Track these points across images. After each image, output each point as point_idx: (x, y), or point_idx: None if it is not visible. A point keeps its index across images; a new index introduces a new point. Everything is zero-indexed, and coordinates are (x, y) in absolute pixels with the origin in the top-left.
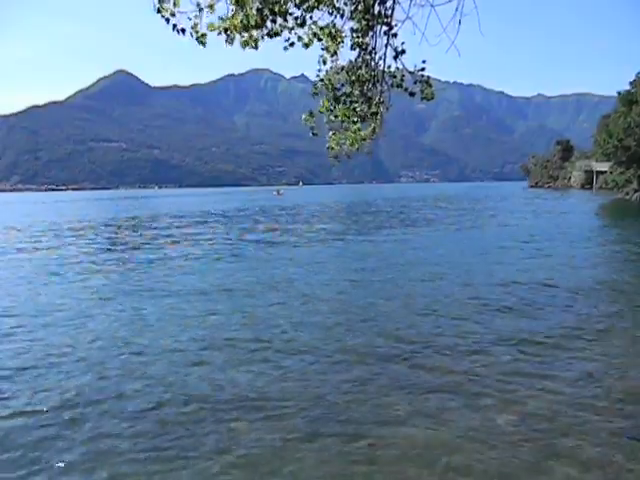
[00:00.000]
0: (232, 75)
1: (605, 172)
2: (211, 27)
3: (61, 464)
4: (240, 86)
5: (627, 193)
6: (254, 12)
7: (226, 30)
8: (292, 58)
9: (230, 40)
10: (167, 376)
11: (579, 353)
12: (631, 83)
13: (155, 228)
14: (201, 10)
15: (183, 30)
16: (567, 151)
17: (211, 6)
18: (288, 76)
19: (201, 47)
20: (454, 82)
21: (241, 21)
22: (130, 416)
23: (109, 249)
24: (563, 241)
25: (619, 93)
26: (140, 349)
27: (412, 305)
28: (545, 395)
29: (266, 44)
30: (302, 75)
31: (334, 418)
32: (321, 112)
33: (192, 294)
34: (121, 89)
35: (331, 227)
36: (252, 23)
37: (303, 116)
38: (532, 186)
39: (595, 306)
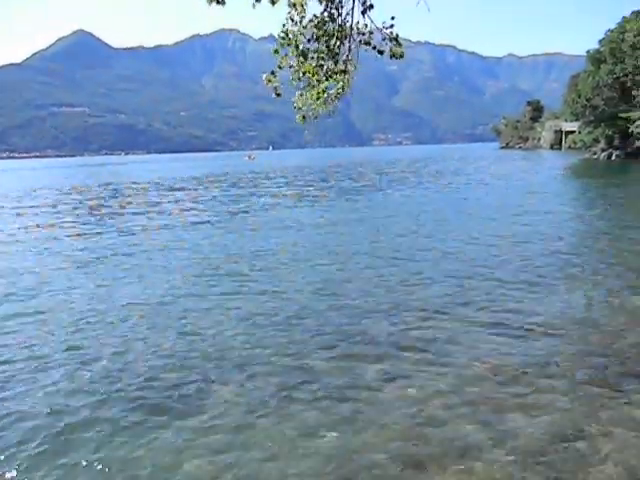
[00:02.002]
0: (198, 35)
1: (574, 132)
2: None
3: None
4: (207, 47)
5: (595, 152)
6: None
7: None
8: (260, 18)
9: None
10: (147, 335)
11: (536, 304)
12: (600, 42)
13: (124, 196)
14: None
15: None
16: (537, 111)
17: None
18: (257, 37)
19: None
20: (425, 42)
21: None
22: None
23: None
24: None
25: (588, 52)
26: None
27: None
28: (509, 349)
29: (234, 3)
30: (271, 36)
31: (310, 384)
32: (280, 68)
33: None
34: (82, 50)
35: (299, 191)
36: None
37: (264, 76)
38: (503, 147)
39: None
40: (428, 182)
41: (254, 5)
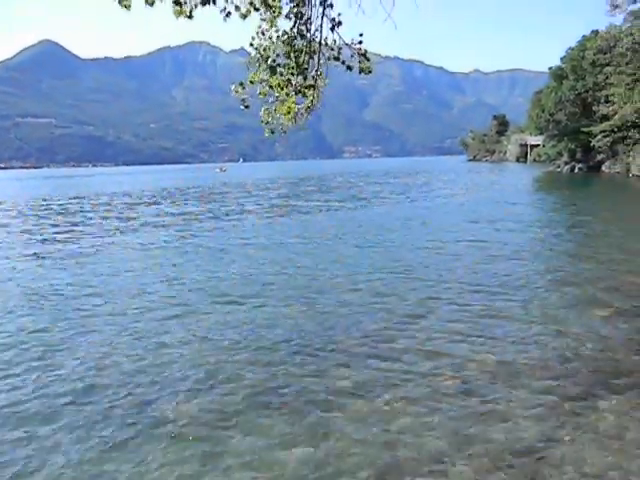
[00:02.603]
0: (168, 47)
1: (538, 145)
2: None
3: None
4: (177, 59)
5: (558, 165)
6: None
7: None
8: (231, 31)
9: (150, 2)
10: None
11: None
12: (562, 59)
13: (91, 211)
14: None
15: None
16: (503, 125)
17: None
18: (227, 49)
19: (125, 11)
20: (395, 57)
21: None
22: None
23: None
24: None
25: (550, 69)
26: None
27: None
28: (485, 357)
29: (203, 16)
30: (242, 49)
31: (279, 396)
32: (251, 82)
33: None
34: (48, 60)
35: (269, 203)
36: None
37: (232, 87)
38: (471, 160)
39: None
40: (399, 194)
41: (225, 19)
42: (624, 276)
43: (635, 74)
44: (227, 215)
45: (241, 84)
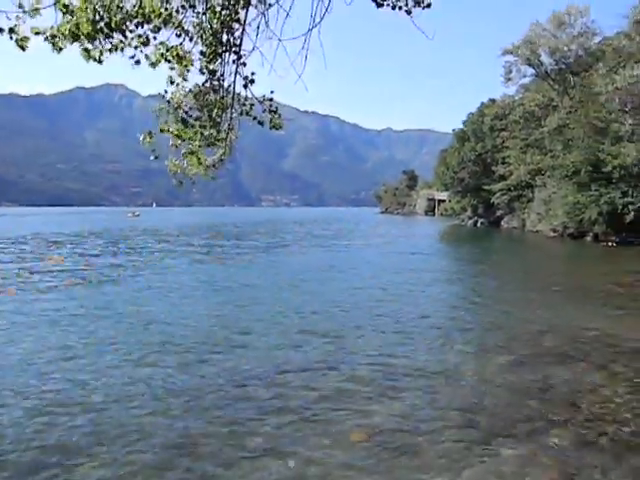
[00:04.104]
0: (82, 88)
1: (444, 200)
2: (35, 30)
3: None
4: (91, 100)
5: (463, 220)
6: (86, 22)
7: (53, 37)
8: (149, 75)
9: (57, 49)
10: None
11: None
12: (464, 122)
13: None
14: (25, 12)
15: (1, 30)
16: (412, 180)
17: (36, 9)
18: (145, 94)
19: (20, 51)
20: (312, 112)
21: (70, 30)
22: None
23: None
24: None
25: (454, 131)
26: None
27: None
28: (389, 408)
29: (119, 60)
30: (160, 94)
31: (186, 455)
32: (162, 131)
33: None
34: None
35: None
36: (84, 33)
37: (141, 136)
38: (383, 212)
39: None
40: (314, 243)
41: (133, 66)
42: (521, 324)
43: (527, 139)
44: (128, 266)
45: (150, 133)
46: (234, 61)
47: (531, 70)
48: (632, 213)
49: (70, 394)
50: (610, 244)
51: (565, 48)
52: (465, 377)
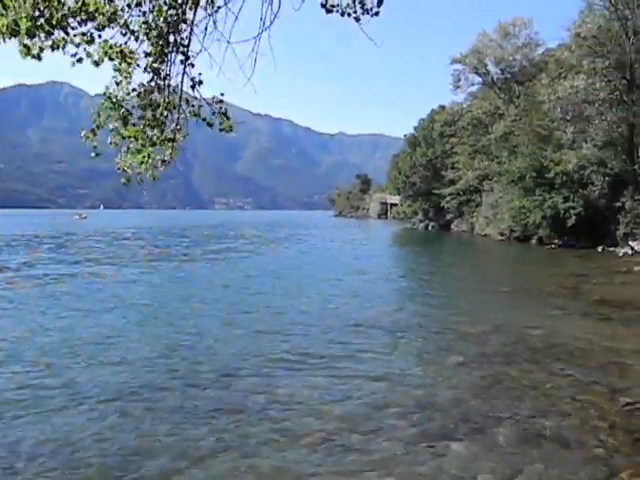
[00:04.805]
0: (24, 85)
1: (397, 204)
2: None
3: None
4: (35, 98)
5: (414, 223)
6: (25, 18)
7: None
8: (95, 74)
9: None
10: None
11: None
12: (415, 128)
13: None
14: None
15: None
16: (366, 184)
17: None
18: (92, 92)
19: None
20: (265, 114)
21: (7, 26)
22: None
23: None
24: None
25: (406, 136)
26: None
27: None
28: (343, 408)
29: (63, 58)
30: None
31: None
32: (98, 128)
33: None
34: None
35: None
36: (23, 29)
37: (83, 133)
38: (337, 215)
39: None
40: (267, 246)
41: (74, 64)
42: (469, 325)
43: (475, 145)
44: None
45: (92, 130)
46: (181, 61)
47: (478, 78)
48: (573, 217)
49: None
50: (553, 247)
51: (510, 58)
52: (414, 378)
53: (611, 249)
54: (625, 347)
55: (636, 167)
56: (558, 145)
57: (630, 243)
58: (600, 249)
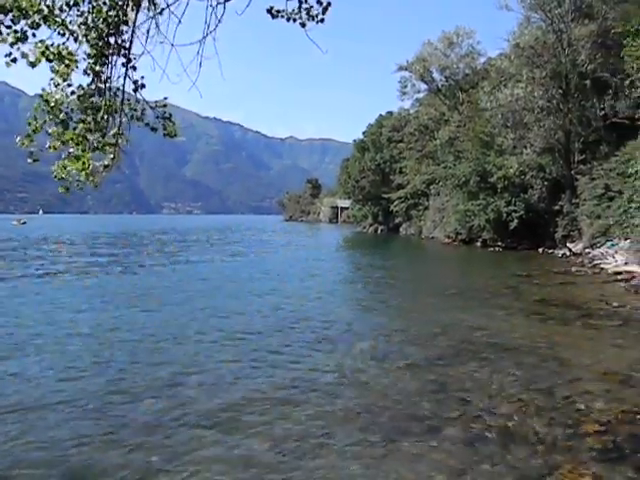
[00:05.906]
0: None
1: (347, 208)
2: None
3: None
4: None
5: (364, 226)
6: None
7: None
8: (35, 74)
9: None
10: None
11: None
12: (364, 133)
13: None
14: None
15: None
16: (316, 188)
17: None
18: (32, 93)
19: None
20: (214, 118)
21: None
22: None
23: None
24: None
25: (355, 141)
26: None
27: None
28: (294, 414)
29: None
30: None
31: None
32: (34, 132)
33: None
34: None
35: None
36: None
37: (17, 138)
38: (287, 219)
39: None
40: (218, 251)
41: (8, 64)
42: (418, 327)
43: (422, 150)
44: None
45: (28, 136)
46: (123, 64)
47: (424, 86)
48: (515, 221)
49: None
50: (497, 249)
51: (454, 66)
52: (363, 381)
53: (550, 251)
54: (563, 342)
55: (572, 172)
56: (500, 151)
57: (568, 245)
58: (540, 251)
